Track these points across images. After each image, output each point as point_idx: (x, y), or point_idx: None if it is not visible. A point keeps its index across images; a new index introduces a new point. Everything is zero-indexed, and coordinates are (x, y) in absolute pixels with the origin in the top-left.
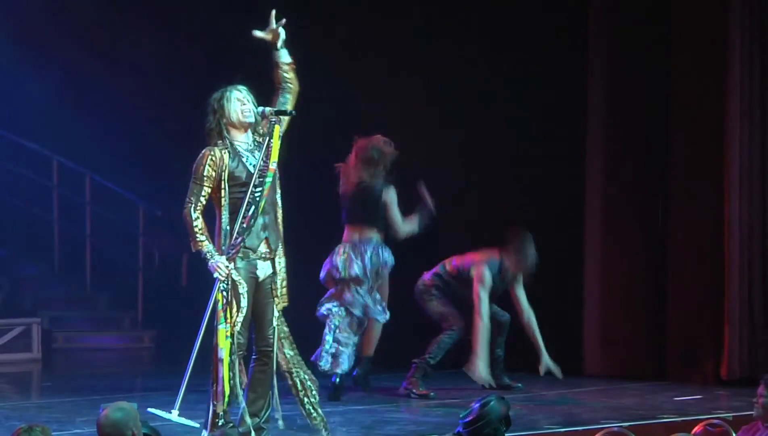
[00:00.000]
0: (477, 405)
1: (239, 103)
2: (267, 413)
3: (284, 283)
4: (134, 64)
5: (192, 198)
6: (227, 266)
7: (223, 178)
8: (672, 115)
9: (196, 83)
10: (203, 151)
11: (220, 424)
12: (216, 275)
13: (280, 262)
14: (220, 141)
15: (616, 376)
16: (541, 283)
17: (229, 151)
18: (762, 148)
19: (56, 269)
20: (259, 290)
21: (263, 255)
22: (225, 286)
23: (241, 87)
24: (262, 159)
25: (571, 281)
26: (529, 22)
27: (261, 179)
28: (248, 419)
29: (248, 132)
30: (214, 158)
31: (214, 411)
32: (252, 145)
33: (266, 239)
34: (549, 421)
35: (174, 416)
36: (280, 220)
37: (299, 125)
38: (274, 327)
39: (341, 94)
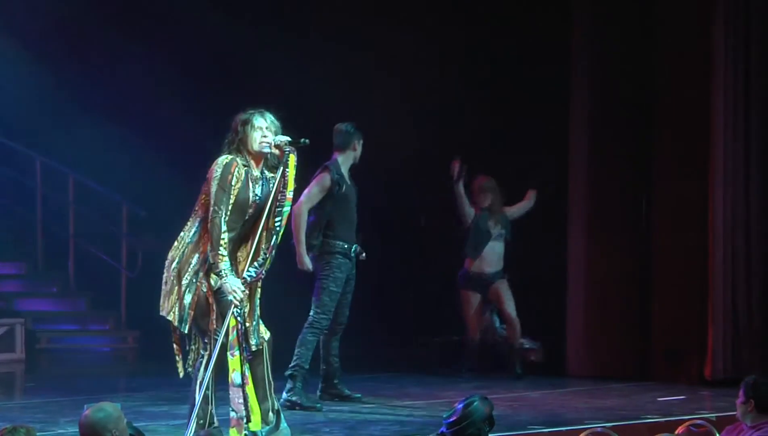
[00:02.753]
0: (461, 405)
1: (261, 132)
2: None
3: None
4: (118, 64)
5: (222, 207)
6: (243, 291)
7: (234, 190)
8: (657, 114)
9: (180, 83)
10: (230, 159)
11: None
12: (230, 297)
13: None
14: (240, 156)
15: (600, 376)
16: (525, 283)
17: (245, 174)
18: (746, 149)
19: (40, 269)
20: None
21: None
22: (239, 311)
23: (267, 115)
24: (279, 188)
25: (555, 282)
26: (513, 16)
27: (279, 209)
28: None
29: (261, 162)
30: (240, 171)
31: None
32: (260, 176)
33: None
34: (533, 421)
35: None
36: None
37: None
38: (255, 315)
39: (326, 88)
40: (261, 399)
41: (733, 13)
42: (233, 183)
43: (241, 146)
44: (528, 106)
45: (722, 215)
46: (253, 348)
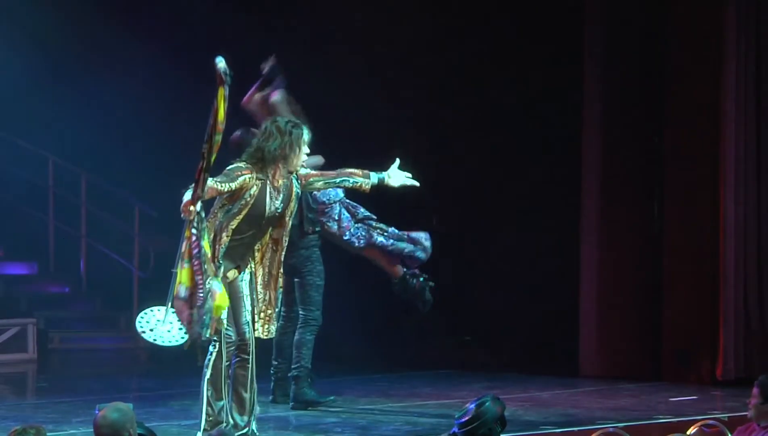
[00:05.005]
0: (472, 405)
1: (306, 149)
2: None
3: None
4: (131, 64)
5: (217, 179)
6: (198, 212)
7: (242, 202)
8: (668, 113)
9: (191, 85)
10: (249, 167)
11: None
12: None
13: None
14: (257, 169)
15: (612, 376)
16: (537, 284)
17: (261, 188)
18: (757, 148)
19: (52, 269)
20: (231, 286)
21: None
22: (195, 224)
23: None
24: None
25: (567, 282)
26: (524, 14)
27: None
28: (237, 418)
29: (280, 172)
30: (250, 180)
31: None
32: (283, 185)
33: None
34: (545, 421)
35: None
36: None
37: None
38: (248, 323)
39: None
40: (238, 399)
41: (745, 11)
42: (235, 184)
43: (277, 155)
44: (540, 107)
45: (734, 216)
46: (264, 336)
